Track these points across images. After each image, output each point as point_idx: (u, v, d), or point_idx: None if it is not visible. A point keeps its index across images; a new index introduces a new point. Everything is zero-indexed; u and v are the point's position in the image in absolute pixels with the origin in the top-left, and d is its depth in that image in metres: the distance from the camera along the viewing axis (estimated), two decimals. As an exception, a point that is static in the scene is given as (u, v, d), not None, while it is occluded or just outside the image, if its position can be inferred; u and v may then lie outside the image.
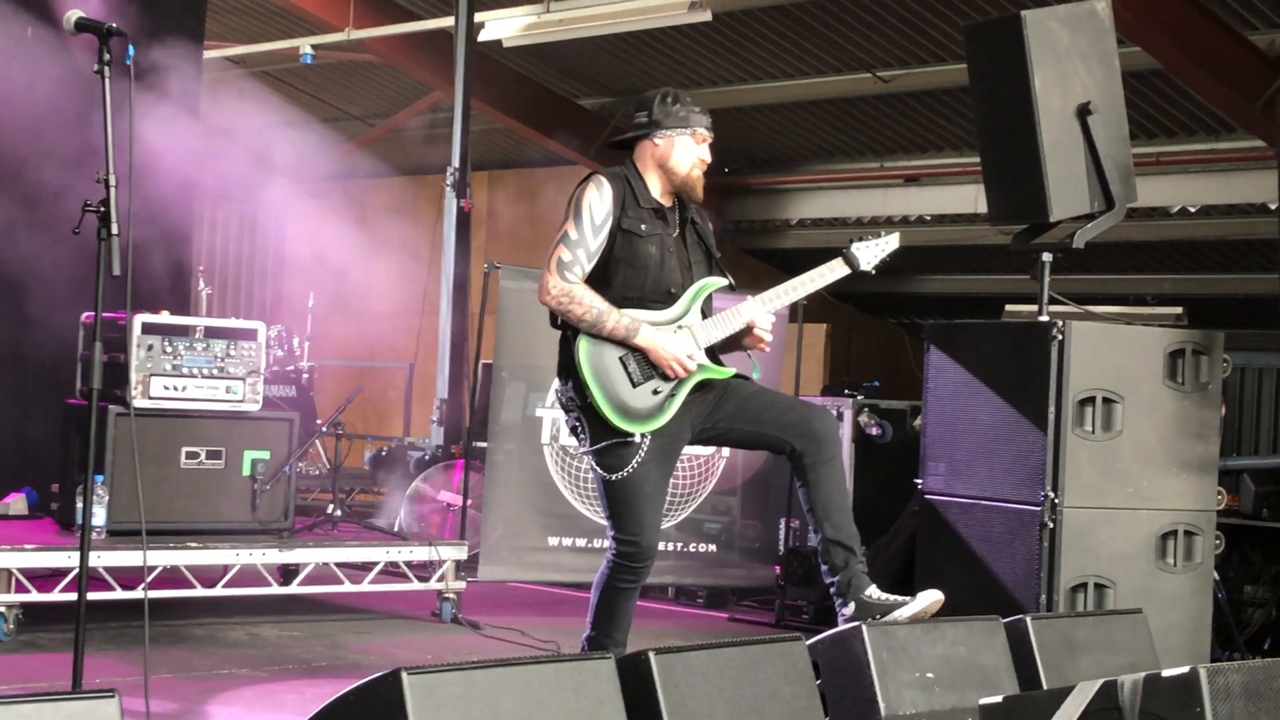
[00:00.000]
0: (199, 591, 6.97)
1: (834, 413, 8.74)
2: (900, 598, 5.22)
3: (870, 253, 5.56)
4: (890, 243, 5.59)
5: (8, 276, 7.99)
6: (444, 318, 11.18)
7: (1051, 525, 5.90)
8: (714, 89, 12.96)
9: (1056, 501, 5.90)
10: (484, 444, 8.48)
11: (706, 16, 10.55)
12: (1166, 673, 3.85)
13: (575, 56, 12.91)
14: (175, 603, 7.05)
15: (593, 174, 5.35)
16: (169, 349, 7.13)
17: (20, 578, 6.44)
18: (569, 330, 5.22)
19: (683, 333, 5.26)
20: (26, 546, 6.49)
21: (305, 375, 11.59)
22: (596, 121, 13.87)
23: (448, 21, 11.74)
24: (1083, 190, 6.15)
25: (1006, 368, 6.16)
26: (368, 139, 15.88)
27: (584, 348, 5.17)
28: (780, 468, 8.58)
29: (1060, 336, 5.93)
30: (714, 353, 5.35)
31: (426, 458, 10.40)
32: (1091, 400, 5.98)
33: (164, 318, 7.25)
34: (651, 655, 4.05)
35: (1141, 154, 10.25)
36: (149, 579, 5.94)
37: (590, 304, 5.15)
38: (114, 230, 4.39)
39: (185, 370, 7.17)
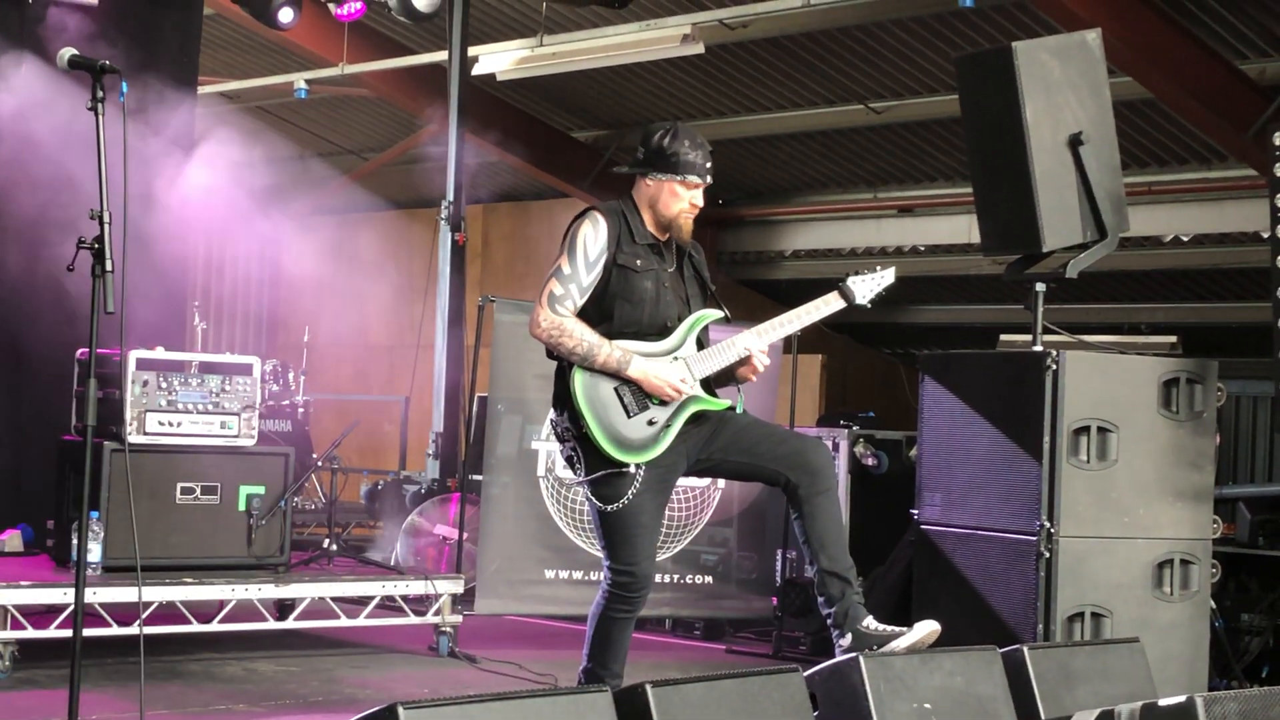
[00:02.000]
0: (195, 627, 6.96)
1: (829, 443, 8.74)
2: (897, 628, 5.22)
3: (866, 286, 5.58)
4: (886, 277, 5.61)
5: (2, 313, 7.99)
6: (439, 351, 11.18)
7: (1048, 555, 5.90)
8: (707, 121, 13.00)
9: (1052, 531, 5.90)
10: (480, 477, 8.47)
11: (699, 49, 10.59)
12: (1164, 701, 3.85)
13: (569, 90, 12.96)
14: (171, 638, 7.03)
15: (589, 209, 5.38)
16: (164, 384, 7.13)
17: (16, 614, 6.42)
18: (565, 361, 5.24)
19: (678, 364, 5.28)
20: (22, 583, 6.48)
21: (300, 410, 11.59)
22: (590, 154, 13.91)
23: (441, 55, 11.78)
24: (1075, 220, 6.17)
25: (1001, 398, 6.17)
26: (362, 173, 15.91)
27: (579, 378, 5.20)
28: (776, 499, 8.57)
29: (1055, 366, 5.95)
30: (709, 384, 5.37)
31: (422, 491, 10.38)
32: (1086, 430, 5.99)
33: (159, 353, 7.25)
34: (649, 688, 4.06)
35: (1134, 183, 10.28)
36: (145, 615, 5.93)
37: (581, 337, 5.18)
38: (108, 267, 4.40)
39: (180, 406, 7.17)
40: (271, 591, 7.20)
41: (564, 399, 5.24)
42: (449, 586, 7.60)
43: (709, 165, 5.39)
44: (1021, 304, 6.41)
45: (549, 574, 8.17)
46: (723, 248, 14.85)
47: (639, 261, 5.29)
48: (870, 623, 5.25)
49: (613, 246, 5.26)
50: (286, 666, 7.12)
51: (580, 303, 5.24)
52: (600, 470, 5.18)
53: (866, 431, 8.80)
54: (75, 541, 6.81)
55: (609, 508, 5.19)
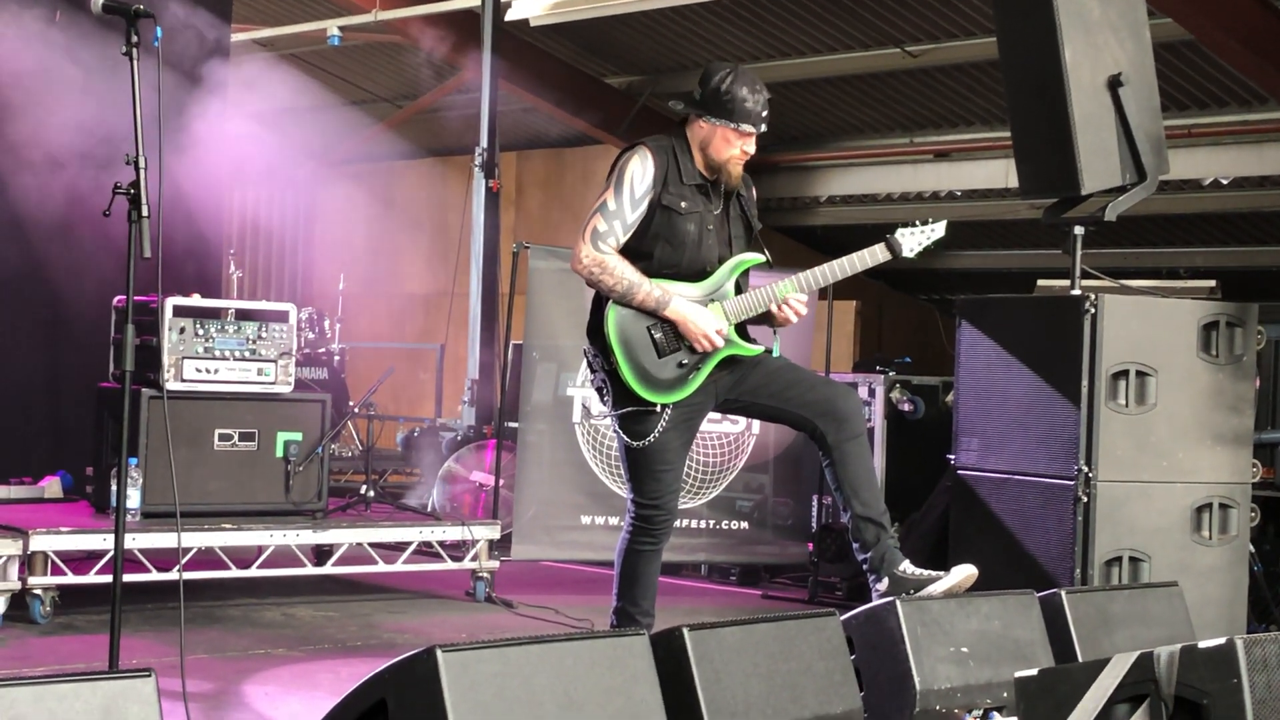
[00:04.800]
0: (233, 573, 7.01)
1: (865, 389, 8.72)
2: (934, 573, 5.22)
3: (914, 240, 5.54)
4: (937, 230, 5.55)
5: (39, 260, 8.02)
6: (474, 298, 11.19)
7: (1085, 499, 5.88)
8: (742, 65, 12.91)
9: (1090, 475, 5.88)
10: (515, 424, 8.49)
11: (734, -7, 10.52)
12: (1203, 644, 3.83)
13: (603, 35, 12.88)
14: (210, 584, 7.08)
15: (639, 144, 5.34)
16: (201, 331, 7.16)
17: (56, 560, 6.47)
18: (601, 297, 5.25)
19: (714, 307, 5.27)
20: (62, 530, 6.53)
21: (336, 357, 11.62)
22: (624, 100, 13.84)
23: (474, 1, 11.73)
24: (1114, 163, 6.11)
25: (1039, 342, 6.14)
26: (396, 120, 15.88)
27: (614, 314, 5.20)
28: (812, 445, 8.56)
29: (1093, 310, 5.91)
30: (743, 328, 5.36)
31: (458, 438, 10.41)
32: (1125, 374, 5.96)
33: (195, 300, 7.27)
34: (686, 631, 4.05)
35: (1173, 126, 10.17)
36: (184, 560, 5.97)
37: (622, 274, 5.17)
38: (144, 212, 4.40)
39: (217, 353, 7.19)
40: (309, 537, 7.24)
41: (597, 330, 5.24)
42: (486, 532, 7.63)
43: (765, 114, 5.37)
44: (1058, 249, 6.36)
45: (585, 520, 8.19)
46: (759, 194, 14.77)
47: (684, 203, 5.26)
48: (907, 567, 5.25)
49: (659, 185, 5.24)
50: (324, 611, 7.17)
51: (624, 239, 5.22)
52: (627, 406, 5.20)
53: (902, 377, 8.77)
54: (114, 488, 6.86)
55: (636, 443, 5.21)
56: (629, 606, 5.35)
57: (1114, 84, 6.06)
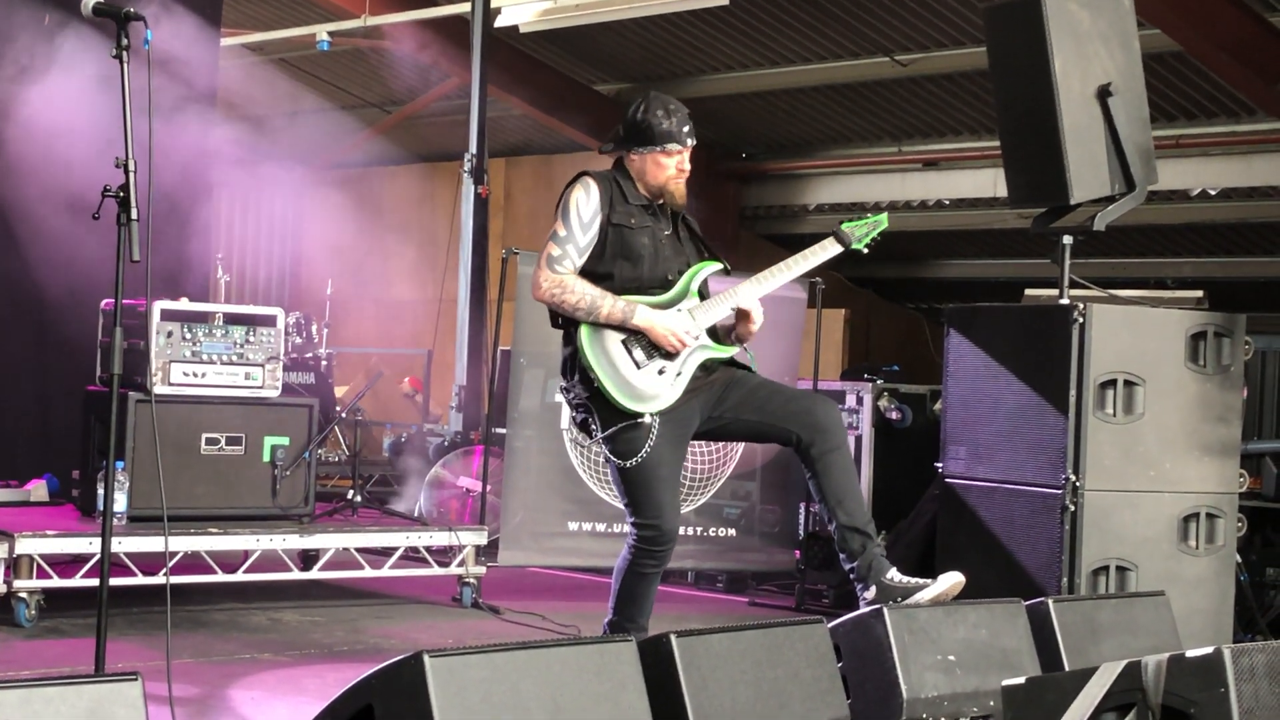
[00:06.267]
0: (220, 577, 6.99)
1: (854, 397, 8.72)
2: (921, 580, 5.23)
3: (862, 229, 5.62)
4: (880, 222, 5.65)
5: (26, 263, 8.01)
6: (462, 304, 11.18)
7: (1073, 508, 5.89)
8: (731, 74, 12.94)
9: (1078, 484, 5.89)
10: (503, 430, 8.48)
11: (724, 0, 10.53)
12: (1190, 653, 3.84)
13: (592, 42, 12.89)
14: (196, 588, 7.07)
15: (580, 175, 5.43)
16: (188, 335, 7.14)
17: (42, 564, 6.45)
18: (570, 326, 5.28)
19: (683, 314, 5.33)
20: (48, 533, 6.51)
21: (324, 362, 11.61)
22: (613, 107, 13.85)
23: (464, 7, 11.73)
24: (1103, 172, 6.13)
25: (1027, 351, 6.15)
26: (385, 126, 15.88)
27: (585, 335, 5.24)
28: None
29: (1081, 319, 5.92)
30: (715, 334, 5.42)
31: (446, 444, 10.40)
32: (1113, 383, 5.97)
33: (183, 304, 7.26)
34: (673, 638, 4.05)
35: (1161, 136, 10.20)
36: (170, 564, 5.96)
37: (583, 292, 5.23)
38: (134, 215, 4.39)
39: (205, 357, 7.17)
40: (296, 542, 7.23)
41: (572, 361, 5.27)
42: (473, 538, 7.62)
43: (687, 129, 5.44)
44: (1046, 259, 6.38)
45: (572, 526, 8.19)
46: (746, 202, 14.80)
47: (633, 220, 5.34)
48: (894, 575, 5.25)
49: (606, 208, 5.32)
50: (311, 616, 7.15)
51: (579, 263, 5.29)
52: (616, 424, 5.20)
53: (891, 385, 8.78)
54: (101, 491, 6.86)
55: (628, 463, 5.21)
56: (624, 621, 5.36)
57: (1103, 94, 6.08)
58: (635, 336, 5.25)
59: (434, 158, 16.23)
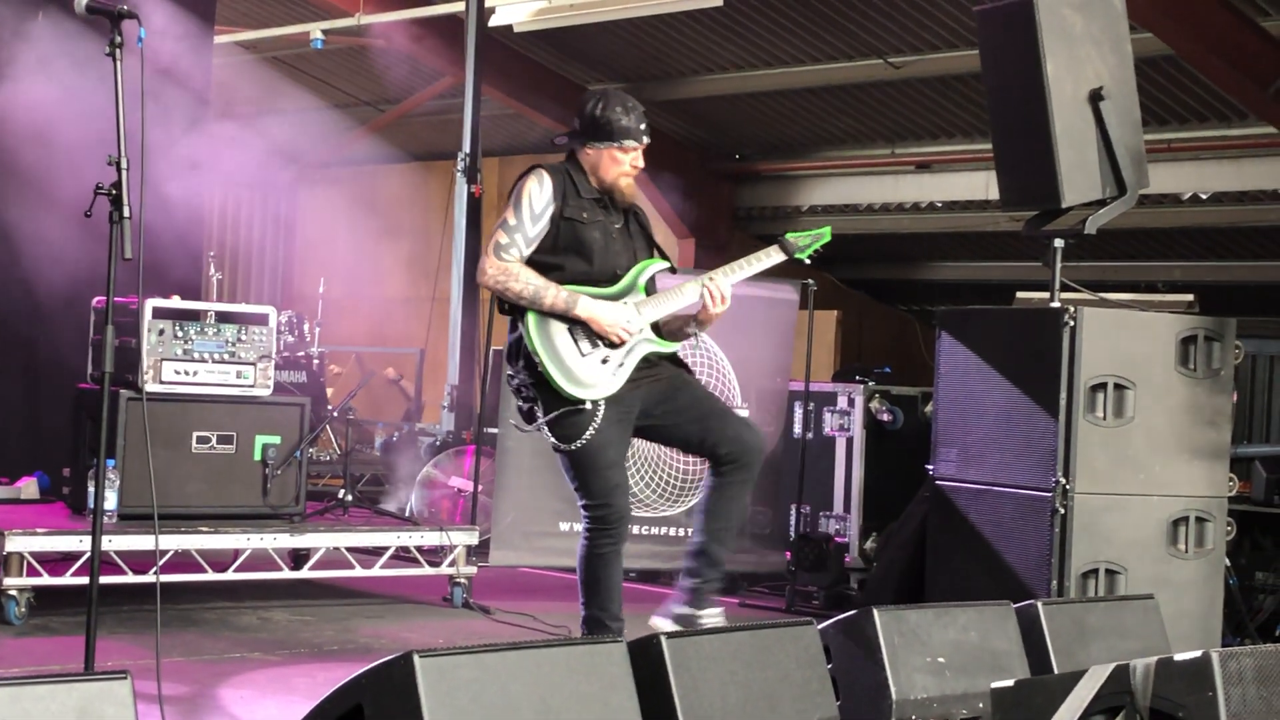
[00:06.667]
0: (210, 576, 6.98)
1: (845, 399, 8.73)
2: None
3: (804, 240, 5.76)
4: (823, 234, 5.81)
5: (19, 261, 8.00)
6: (455, 303, 11.18)
7: (1063, 511, 5.90)
8: (725, 74, 12.95)
9: (1068, 487, 5.90)
10: (495, 430, 8.48)
11: (718, 2, 10.53)
12: (1179, 657, 3.84)
13: (586, 41, 12.90)
14: (186, 587, 7.06)
15: (534, 167, 5.55)
16: (180, 333, 7.14)
17: (32, 561, 6.45)
18: (517, 312, 5.40)
19: (626, 307, 5.46)
20: (38, 531, 6.50)
21: (315, 361, 11.60)
22: (607, 107, 13.84)
23: (458, 6, 11.72)
24: (1095, 176, 6.14)
25: (1018, 354, 6.16)
26: (378, 124, 15.87)
27: (532, 321, 5.36)
28: (791, 454, 8.58)
29: (1072, 323, 5.93)
30: (659, 330, 5.54)
31: (437, 444, 10.40)
32: (1103, 386, 5.98)
33: (175, 302, 7.25)
34: (663, 639, 4.06)
35: (1153, 140, 10.21)
36: (160, 563, 5.96)
37: (527, 280, 5.35)
38: (126, 213, 4.39)
39: (196, 355, 7.17)
40: (287, 541, 7.22)
41: (517, 347, 5.40)
42: (464, 538, 7.62)
43: (644, 126, 5.57)
44: (1038, 261, 6.39)
45: (563, 526, 8.18)
46: (739, 202, 14.81)
47: (585, 214, 5.47)
48: (708, 613, 5.50)
49: (558, 200, 5.45)
50: (301, 616, 7.15)
51: (526, 253, 5.41)
52: (558, 409, 5.33)
53: (882, 387, 8.79)
54: (91, 489, 6.84)
55: (573, 446, 5.34)
56: (598, 612, 5.44)
57: (1095, 98, 6.09)
58: (580, 326, 5.38)
59: (427, 156, 16.22)
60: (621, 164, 5.53)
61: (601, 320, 5.37)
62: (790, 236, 5.75)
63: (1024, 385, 6.08)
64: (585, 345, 5.38)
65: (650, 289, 5.58)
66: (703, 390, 5.67)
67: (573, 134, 5.61)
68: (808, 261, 5.79)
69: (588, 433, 5.32)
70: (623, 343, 5.41)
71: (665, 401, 5.50)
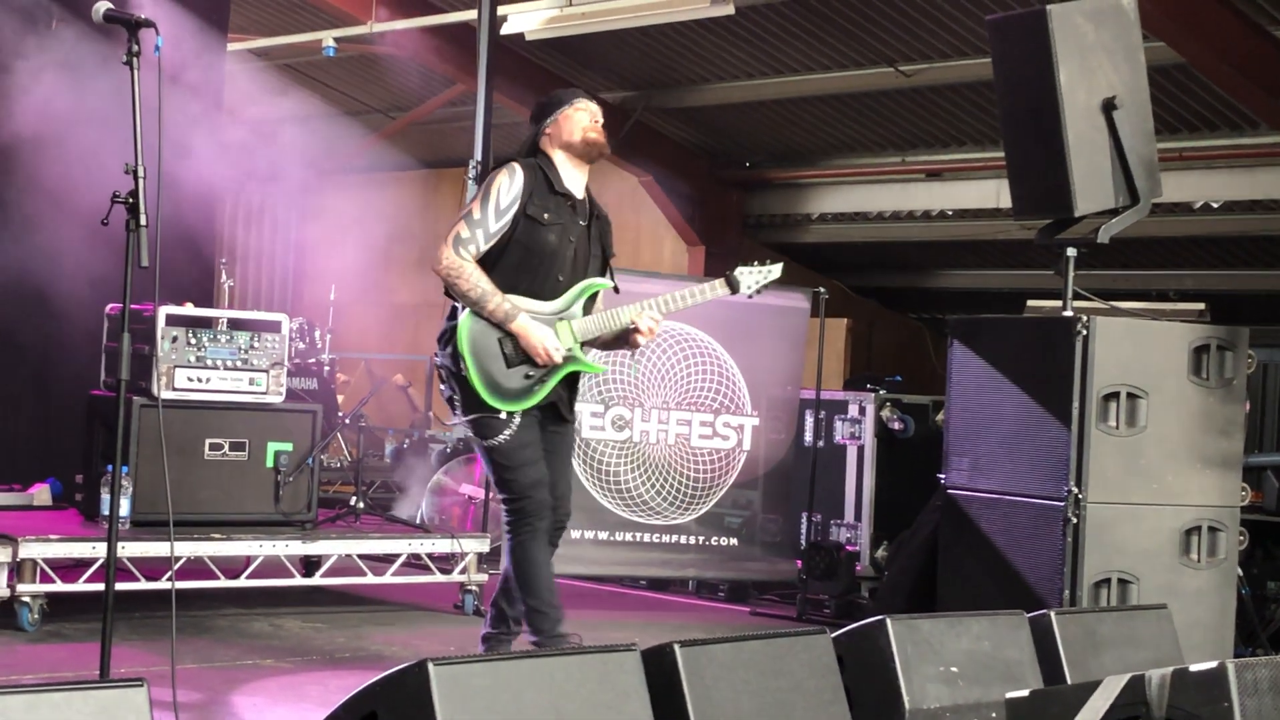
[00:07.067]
0: (222, 583, 7.00)
1: (856, 407, 8.71)
2: None
3: (752, 278, 5.85)
4: (773, 272, 5.90)
5: (31, 268, 8.01)
6: (465, 311, 11.17)
7: (1075, 520, 5.89)
8: (735, 83, 12.95)
9: (1080, 497, 5.89)
10: (506, 437, 8.48)
11: (729, 10, 10.54)
12: (1194, 667, 3.84)
13: (597, 50, 12.91)
14: (199, 593, 7.07)
15: (509, 161, 5.65)
16: (193, 341, 7.16)
17: (45, 568, 6.46)
18: (456, 302, 5.54)
19: (561, 326, 5.56)
20: (51, 537, 6.52)
21: (326, 368, 11.61)
22: (619, 114, 13.86)
23: (470, 14, 11.73)
24: (1108, 185, 6.14)
25: (1030, 363, 6.16)
26: (390, 131, 15.89)
27: (467, 323, 5.49)
28: (801, 463, 8.58)
29: (1085, 332, 5.93)
30: (590, 347, 5.69)
31: (448, 451, 10.41)
32: (1116, 396, 5.97)
33: (188, 309, 7.27)
34: (677, 648, 4.06)
35: (1164, 149, 10.19)
36: (173, 570, 5.96)
37: (476, 283, 5.46)
38: (142, 221, 4.40)
39: (209, 362, 7.19)
40: (299, 548, 7.23)
41: (450, 335, 5.52)
42: (474, 545, 7.63)
43: (584, 94, 5.79)
44: (1048, 270, 6.39)
45: (574, 534, 8.19)
46: (749, 210, 14.81)
47: (547, 215, 5.56)
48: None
49: (525, 197, 5.53)
50: (313, 623, 7.16)
51: (485, 248, 5.51)
52: (476, 412, 5.48)
53: (893, 396, 8.79)
54: (104, 496, 6.86)
55: (493, 442, 5.49)
56: (536, 603, 5.58)
57: (1108, 107, 6.09)
58: (510, 336, 5.49)
59: (438, 164, 16.23)
60: (580, 120, 5.65)
61: (532, 339, 5.47)
62: (739, 272, 5.82)
63: (1036, 394, 6.08)
64: (511, 354, 5.50)
65: (589, 308, 5.67)
66: (568, 447, 5.77)
67: (530, 137, 5.73)
68: (749, 297, 5.89)
69: (504, 434, 5.48)
70: (548, 364, 5.51)
71: (554, 430, 5.65)
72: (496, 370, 5.47)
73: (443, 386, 5.63)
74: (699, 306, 8.34)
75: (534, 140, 5.71)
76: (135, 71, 4.51)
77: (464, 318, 5.49)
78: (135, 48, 4.49)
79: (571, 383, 5.67)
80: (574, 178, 5.68)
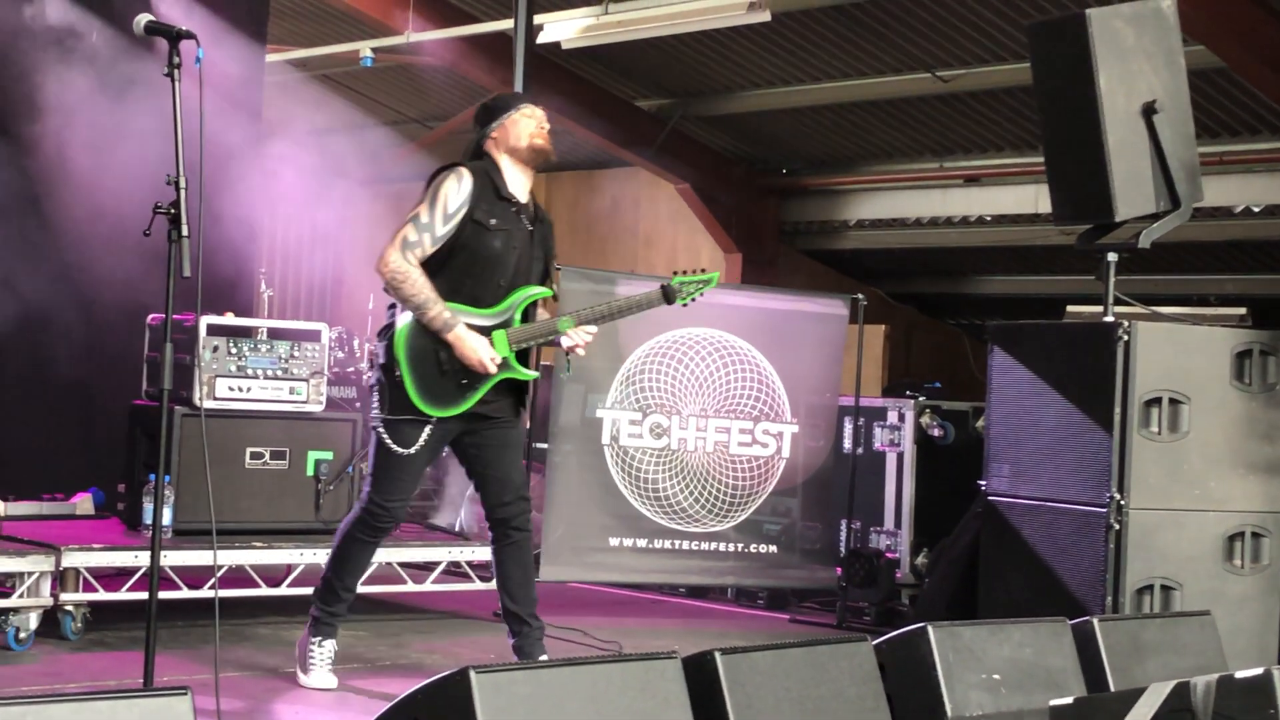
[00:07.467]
0: (263, 591, 7.02)
1: (896, 414, 8.69)
2: None
3: (689, 288, 5.86)
4: (710, 281, 5.90)
5: (73, 277, 8.07)
6: (503, 319, 11.19)
7: (1117, 527, 5.87)
8: (772, 89, 12.94)
9: (1122, 503, 5.87)
10: (543, 445, 8.50)
11: (765, 17, 10.53)
12: (1240, 674, 3.82)
13: (633, 58, 12.92)
14: (240, 602, 7.09)
15: (455, 165, 5.70)
16: (234, 350, 7.19)
17: (88, 577, 6.50)
18: (400, 303, 5.61)
19: (498, 334, 5.62)
20: (94, 546, 6.55)
21: (365, 377, 11.64)
22: (654, 123, 13.87)
23: (507, 24, 11.75)
24: (1148, 190, 6.12)
25: (1072, 369, 6.13)
26: (427, 141, 15.92)
27: (406, 326, 5.58)
28: (841, 470, 8.56)
29: (1126, 337, 5.90)
30: (526, 354, 5.75)
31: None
32: (1158, 401, 5.95)
33: (229, 319, 7.31)
34: (718, 655, 4.05)
35: (1205, 153, 10.12)
36: (215, 579, 6.00)
37: (419, 289, 5.52)
38: (184, 232, 4.43)
39: (250, 371, 7.22)
40: (341, 558, 7.23)
41: (388, 332, 5.62)
42: (514, 553, 7.61)
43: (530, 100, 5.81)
44: (1087, 275, 6.37)
45: (613, 541, 8.19)
46: (786, 217, 14.79)
47: (493, 220, 5.60)
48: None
49: (472, 202, 5.57)
50: (354, 631, 7.17)
51: (430, 251, 5.56)
52: (400, 415, 5.56)
53: (933, 402, 8.76)
54: (146, 505, 6.90)
55: (394, 448, 5.57)
56: (334, 580, 5.80)
57: (1148, 111, 6.07)
58: (446, 344, 5.55)
59: (475, 173, 16.25)
60: (528, 125, 5.68)
61: (466, 349, 5.53)
62: (676, 281, 5.84)
63: (1077, 400, 6.06)
64: (448, 363, 5.56)
65: (528, 316, 5.72)
66: (517, 441, 5.84)
67: (476, 141, 5.75)
68: (684, 306, 5.91)
69: (415, 445, 5.57)
70: (481, 373, 5.57)
71: (490, 428, 5.70)
72: (431, 373, 5.56)
73: (369, 374, 5.67)
74: (738, 316, 8.44)
75: (478, 143, 5.75)
76: (176, 83, 4.54)
77: (403, 322, 5.58)
78: (176, 59, 4.52)
79: (515, 387, 5.73)
80: (519, 182, 5.72)
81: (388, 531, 5.77)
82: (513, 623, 5.84)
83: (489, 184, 5.64)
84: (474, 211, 5.57)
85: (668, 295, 5.80)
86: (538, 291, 5.76)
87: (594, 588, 8.72)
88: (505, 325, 5.65)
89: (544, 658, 5.71)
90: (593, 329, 5.77)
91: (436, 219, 5.56)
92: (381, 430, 5.62)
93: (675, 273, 5.94)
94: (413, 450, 5.58)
